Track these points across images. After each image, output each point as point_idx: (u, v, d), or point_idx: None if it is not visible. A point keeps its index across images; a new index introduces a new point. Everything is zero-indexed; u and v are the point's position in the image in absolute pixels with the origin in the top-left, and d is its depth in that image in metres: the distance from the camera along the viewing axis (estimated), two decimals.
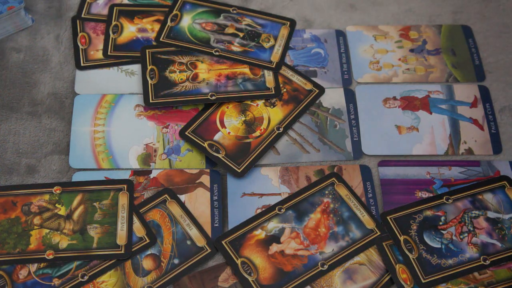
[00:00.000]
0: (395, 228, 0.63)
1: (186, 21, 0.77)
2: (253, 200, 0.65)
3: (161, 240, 0.62)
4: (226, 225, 0.64)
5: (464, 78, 0.75)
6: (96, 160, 0.67)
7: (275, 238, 0.63)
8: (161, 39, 0.75)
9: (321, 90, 0.73)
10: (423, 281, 0.60)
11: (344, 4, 0.81)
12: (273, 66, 0.74)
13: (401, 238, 0.62)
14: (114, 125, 0.70)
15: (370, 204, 0.66)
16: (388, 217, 0.64)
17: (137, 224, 0.63)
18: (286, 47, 0.75)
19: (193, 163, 0.68)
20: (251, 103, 0.71)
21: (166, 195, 0.65)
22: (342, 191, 0.66)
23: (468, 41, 0.78)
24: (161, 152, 0.68)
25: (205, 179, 0.66)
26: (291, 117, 0.70)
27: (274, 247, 0.62)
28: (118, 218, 0.63)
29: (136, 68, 0.73)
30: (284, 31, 0.77)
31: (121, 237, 0.62)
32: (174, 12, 0.77)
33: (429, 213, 0.64)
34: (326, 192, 0.66)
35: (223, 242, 0.62)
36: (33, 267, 0.60)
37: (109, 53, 0.74)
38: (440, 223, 0.64)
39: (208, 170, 0.67)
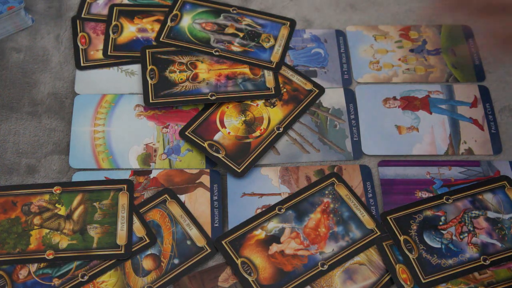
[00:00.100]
0: (395, 228, 0.63)
1: (186, 21, 0.77)
2: (253, 200, 0.65)
3: (161, 240, 0.62)
4: (226, 225, 0.64)
5: (464, 78, 0.75)
6: (96, 160, 0.67)
7: (275, 238, 0.63)
8: (161, 39, 0.75)
9: (321, 90, 0.73)
10: (423, 281, 0.60)
11: (344, 4, 0.81)
12: (273, 66, 0.74)
13: (401, 238, 0.62)
14: (114, 125, 0.70)
15: (370, 204, 0.66)
16: (388, 217, 0.64)
17: (137, 224, 0.63)
18: (286, 47, 0.75)
19: (193, 163, 0.68)
20: (251, 103, 0.71)
21: (166, 195, 0.65)
22: (342, 191, 0.66)
23: (468, 41, 0.78)
24: (161, 152, 0.68)
25: (205, 179, 0.66)
26: (291, 117, 0.70)
27: (274, 247, 0.62)
28: (118, 218, 0.63)
29: (136, 68, 0.73)
30: (284, 31, 0.77)
31: (121, 237, 0.62)
32: (174, 12, 0.77)
33: (429, 213, 0.64)
34: (326, 192, 0.66)
35: (223, 242, 0.62)
36: (33, 267, 0.60)
37: (109, 53, 0.74)
38: (440, 223, 0.64)
39: (208, 170, 0.67)
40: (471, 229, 0.64)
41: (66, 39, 0.76)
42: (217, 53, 0.74)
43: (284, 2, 0.80)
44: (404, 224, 0.63)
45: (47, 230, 0.62)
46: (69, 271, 0.60)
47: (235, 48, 0.75)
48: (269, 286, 0.60)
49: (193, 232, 0.63)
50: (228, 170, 0.66)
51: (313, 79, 0.74)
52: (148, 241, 0.62)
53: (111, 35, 0.75)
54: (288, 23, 0.78)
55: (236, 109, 0.71)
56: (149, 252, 0.62)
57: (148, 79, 0.71)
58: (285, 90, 0.72)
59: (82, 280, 0.60)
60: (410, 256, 0.61)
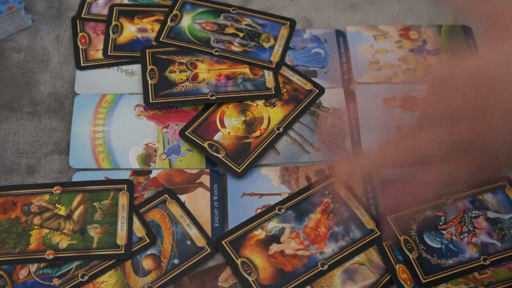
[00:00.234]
0: (395, 228, 0.63)
1: (186, 21, 0.77)
2: (253, 200, 0.65)
3: (161, 240, 0.62)
4: (226, 225, 0.64)
5: None
6: (96, 160, 0.67)
7: (275, 238, 0.63)
8: (161, 39, 0.75)
9: (321, 90, 0.73)
10: (423, 281, 0.60)
11: (344, 4, 0.81)
12: (273, 66, 0.74)
13: (401, 238, 0.62)
14: (114, 125, 0.70)
15: (370, 204, 0.66)
16: (388, 217, 0.64)
17: (137, 224, 0.63)
18: (286, 47, 0.75)
19: (193, 163, 0.68)
20: (251, 103, 0.71)
21: (166, 195, 0.65)
22: (342, 191, 0.66)
23: (468, 41, 0.78)
24: (161, 152, 0.68)
25: (205, 179, 0.66)
26: (291, 117, 0.70)
27: (274, 247, 0.62)
28: (118, 218, 0.63)
29: (136, 68, 0.73)
30: (284, 31, 0.77)
31: (121, 237, 0.62)
32: (174, 12, 0.77)
33: (429, 213, 0.64)
34: (326, 192, 0.66)
35: (223, 242, 0.62)
36: (33, 267, 0.60)
37: (109, 53, 0.74)
38: (440, 223, 0.64)
39: (208, 170, 0.67)
40: (471, 229, 0.64)
41: (66, 39, 0.76)
42: (217, 53, 0.74)
43: (284, 2, 0.80)
44: (404, 224, 0.63)
45: (47, 230, 0.62)
46: (69, 271, 0.60)
47: (235, 48, 0.75)
48: (269, 286, 0.60)
49: (193, 232, 0.63)
50: (228, 170, 0.66)
51: (313, 79, 0.74)
52: (148, 241, 0.62)
53: (111, 35, 0.75)
54: (288, 23, 0.78)
55: (236, 109, 0.71)
56: (149, 252, 0.62)
57: (148, 79, 0.71)
58: (285, 90, 0.72)
59: (82, 280, 0.60)
60: (410, 256, 0.61)
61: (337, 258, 0.62)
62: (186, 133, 0.69)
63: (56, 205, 0.63)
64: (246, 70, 0.73)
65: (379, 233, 0.63)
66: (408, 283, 0.60)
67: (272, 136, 0.69)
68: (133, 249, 0.61)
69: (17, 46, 0.75)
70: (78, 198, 0.64)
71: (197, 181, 0.66)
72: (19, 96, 0.72)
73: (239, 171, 0.66)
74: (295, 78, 0.73)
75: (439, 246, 0.62)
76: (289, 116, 0.71)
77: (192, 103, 0.70)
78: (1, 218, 0.62)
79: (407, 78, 0.74)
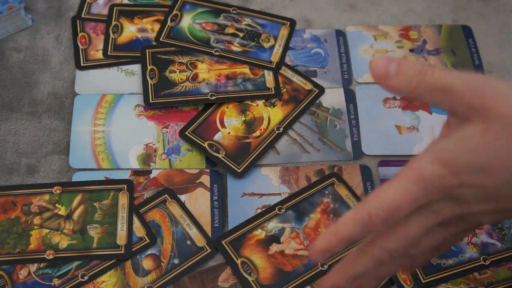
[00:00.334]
0: None
1: (186, 21, 0.77)
2: (253, 200, 0.65)
3: (161, 240, 0.62)
4: (226, 225, 0.64)
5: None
6: (96, 160, 0.67)
7: (275, 238, 0.63)
8: (161, 39, 0.75)
9: (321, 90, 0.73)
10: (423, 281, 0.60)
11: (344, 4, 0.81)
12: (273, 66, 0.74)
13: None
14: (114, 125, 0.70)
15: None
16: None
17: (137, 224, 0.63)
18: (286, 47, 0.75)
19: (193, 163, 0.68)
20: (251, 103, 0.71)
21: (166, 195, 0.65)
22: (342, 191, 0.66)
23: (468, 41, 0.78)
24: (161, 152, 0.68)
25: (205, 179, 0.66)
26: (291, 117, 0.70)
27: (274, 247, 0.62)
28: (118, 218, 0.63)
29: (136, 68, 0.73)
30: (284, 31, 0.77)
31: (121, 237, 0.62)
32: (174, 12, 0.77)
33: None
34: (326, 192, 0.66)
35: (223, 242, 0.62)
36: (33, 267, 0.60)
37: (109, 53, 0.74)
38: None
39: (208, 170, 0.67)
40: None
41: (66, 39, 0.76)
42: (217, 53, 0.74)
43: (284, 2, 0.80)
44: None
45: (47, 230, 0.62)
46: (69, 271, 0.60)
47: (235, 48, 0.75)
48: (269, 286, 0.60)
49: (193, 232, 0.63)
50: (228, 170, 0.66)
51: (313, 79, 0.74)
52: (148, 241, 0.62)
53: (111, 35, 0.75)
54: (288, 23, 0.78)
55: (236, 109, 0.71)
56: (149, 252, 0.62)
57: (148, 79, 0.71)
58: (285, 90, 0.72)
59: (82, 280, 0.60)
60: None
61: (337, 258, 0.62)
62: (186, 133, 0.69)
63: (56, 205, 0.63)
64: (246, 70, 0.73)
65: None
66: (408, 283, 0.60)
67: (272, 136, 0.69)
68: (133, 249, 0.61)
69: (17, 46, 0.75)
70: (78, 198, 0.64)
71: (197, 181, 0.66)
72: (19, 96, 0.72)
73: (239, 171, 0.66)
74: (295, 78, 0.73)
75: None
76: (289, 116, 0.71)
77: (192, 103, 0.70)
78: (1, 218, 0.62)
79: None
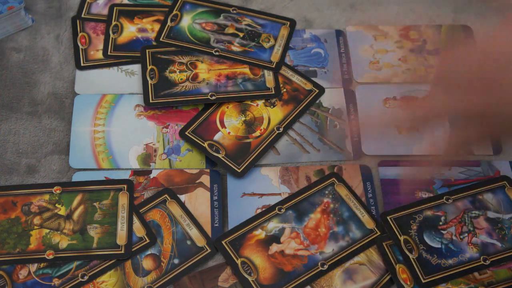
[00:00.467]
0: (395, 228, 0.63)
1: (186, 21, 0.77)
2: (253, 200, 0.65)
3: (161, 240, 0.62)
4: (226, 225, 0.64)
5: None
6: (96, 160, 0.67)
7: (275, 238, 0.63)
8: (161, 39, 0.75)
9: (321, 90, 0.73)
10: (423, 281, 0.60)
11: (344, 4, 0.81)
12: (273, 66, 0.74)
13: (401, 238, 0.62)
14: (114, 125, 0.70)
15: (370, 204, 0.66)
16: (388, 217, 0.64)
17: (137, 224, 0.63)
18: (286, 47, 0.75)
19: (193, 163, 0.68)
20: (251, 103, 0.71)
21: (166, 195, 0.65)
22: (342, 191, 0.66)
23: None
24: (161, 152, 0.68)
25: (205, 179, 0.66)
26: (291, 117, 0.70)
27: (274, 247, 0.62)
28: (118, 218, 0.63)
29: (136, 68, 0.73)
30: (284, 31, 0.77)
31: (121, 237, 0.62)
32: (174, 12, 0.77)
33: (429, 213, 0.64)
34: (326, 192, 0.66)
35: (223, 242, 0.62)
36: (33, 267, 0.60)
37: (109, 53, 0.74)
38: (440, 223, 0.64)
39: (208, 170, 0.67)
40: (471, 229, 0.64)
41: (66, 39, 0.76)
42: (217, 53, 0.74)
43: (284, 2, 0.80)
44: (404, 224, 0.63)
45: (47, 230, 0.62)
46: (69, 271, 0.60)
47: (235, 48, 0.75)
48: (269, 286, 0.60)
49: (193, 232, 0.63)
50: (228, 170, 0.66)
51: (313, 79, 0.74)
52: (148, 241, 0.62)
53: (111, 35, 0.75)
54: (288, 23, 0.78)
55: (236, 109, 0.71)
56: (149, 252, 0.62)
57: (148, 79, 0.71)
58: (285, 90, 0.72)
59: (82, 280, 0.60)
60: (410, 256, 0.61)
61: (337, 258, 0.62)
62: (186, 133, 0.69)
63: (56, 205, 0.63)
64: (246, 70, 0.73)
65: (379, 233, 0.63)
66: (408, 283, 0.60)
67: (272, 136, 0.69)
68: (133, 249, 0.61)
69: (17, 46, 0.75)
70: (78, 198, 0.64)
71: (197, 181, 0.66)
72: (19, 96, 0.72)
73: (239, 171, 0.66)
74: (295, 78, 0.73)
75: (439, 246, 0.62)
76: (289, 116, 0.71)
77: (192, 103, 0.70)
78: (1, 218, 0.62)
79: (407, 78, 0.75)
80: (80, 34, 0.76)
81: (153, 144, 0.68)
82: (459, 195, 0.66)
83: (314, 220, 0.64)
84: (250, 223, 0.64)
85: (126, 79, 0.73)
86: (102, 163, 0.67)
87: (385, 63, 0.75)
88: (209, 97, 0.70)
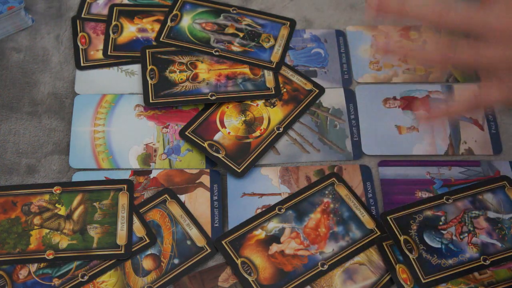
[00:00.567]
0: (395, 228, 0.63)
1: (186, 21, 0.77)
2: (253, 200, 0.65)
3: (161, 240, 0.62)
4: (226, 225, 0.64)
5: (464, 78, 0.75)
6: (96, 160, 0.67)
7: (275, 238, 0.63)
8: (161, 39, 0.75)
9: (321, 90, 0.73)
10: (423, 281, 0.60)
11: (344, 4, 0.81)
12: (273, 66, 0.74)
13: (401, 238, 0.62)
14: (114, 125, 0.70)
15: (370, 204, 0.66)
16: (388, 217, 0.64)
17: (137, 224, 0.63)
18: (286, 47, 0.75)
19: (193, 163, 0.68)
20: (251, 103, 0.71)
21: (166, 195, 0.65)
22: (342, 191, 0.66)
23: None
24: (161, 152, 0.68)
25: (205, 179, 0.66)
26: (291, 117, 0.70)
27: (274, 247, 0.62)
28: (118, 218, 0.63)
29: (136, 68, 0.73)
30: (284, 31, 0.77)
31: (121, 237, 0.62)
32: (174, 12, 0.77)
33: (429, 213, 0.64)
34: (326, 192, 0.66)
35: (223, 242, 0.62)
36: (33, 267, 0.60)
37: (109, 53, 0.74)
38: (440, 223, 0.64)
39: (208, 170, 0.67)
40: (471, 229, 0.64)
41: (66, 39, 0.76)
42: (217, 53, 0.74)
43: (284, 2, 0.80)
44: (404, 224, 0.63)
45: (47, 230, 0.62)
46: (69, 271, 0.60)
47: (235, 48, 0.75)
48: (269, 286, 0.60)
49: (193, 232, 0.63)
50: (228, 170, 0.66)
51: (313, 79, 0.74)
52: (148, 241, 0.62)
53: (111, 35, 0.75)
54: (288, 23, 0.78)
55: (236, 109, 0.71)
56: (149, 252, 0.62)
57: (148, 79, 0.71)
58: (285, 90, 0.72)
59: (82, 280, 0.60)
60: (410, 256, 0.61)
61: (337, 258, 0.62)
62: (186, 133, 0.69)
63: (56, 205, 0.63)
64: (246, 70, 0.73)
65: (379, 233, 0.63)
66: (408, 283, 0.60)
67: (272, 136, 0.69)
68: (133, 249, 0.61)
69: (17, 46, 0.75)
70: (78, 198, 0.64)
71: (197, 181, 0.66)
72: (19, 96, 0.72)
73: (239, 171, 0.66)
74: (295, 78, 0.73)
75: (439, 246, 0.62)
76: (289, 116, 0.71)
77: (192, 103, 0.70)
78: (1, 218, 0.62)
79: (407, 78, 0.75)
80: (80, 34, 0.76)
81: (153, 144, 0.68)
82: (459, 195, 0.66)
83: (314, 220, 0.64)
84: (250, 223, 0.64)
85: (126, 79, 0.73)
86: (102, 163, 0.67)
87: (385, 63, 0.75)
88: (209, 97, 0.70)
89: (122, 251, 0.61)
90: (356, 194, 0.66)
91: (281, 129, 0.69)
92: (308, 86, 0.73)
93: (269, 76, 0.73)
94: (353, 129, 0.70)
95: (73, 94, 0.72)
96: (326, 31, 0.78)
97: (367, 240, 0.63)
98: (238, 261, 0.61)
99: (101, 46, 0.75)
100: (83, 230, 0.62)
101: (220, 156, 0.67)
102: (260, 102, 0.71)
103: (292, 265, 0.61)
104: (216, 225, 0.64)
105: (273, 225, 0.64)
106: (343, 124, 0.71)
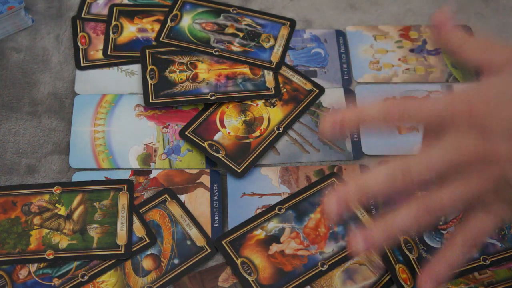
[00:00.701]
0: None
1: (186, 21, 0.77)
2: (253, 200, 0.65)
3: (161, 240, 0.62)
4: (226, 225, 0.64)
5: (464, 78, 0.75)
6: (96, 160, 0.67)
7: (275, 238, 0.63)
8: (161, 39, 0.75)
9: (321, 90, 0.73)
10: None
11: (344, 4, 0.81)
12: (273, 66, 0.74)
13: (401, 238, 0.62)
14: (114, 125, 0.70)
15: (370, 204, 0.66)
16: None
17: (137, 224, 0.63)
18: (286, 47, 0.75)
19: (193, 163, 0.68)
20: (251, 103, 0.71)
21: (166, 195, 0.65)
22: None
23: None
24: (161, 152, 0.68)
25: (205, 179, 0.66)
26: (291, 117, 0.70)
27: (274, 247, 0.62)
28: (118, 218, 0.63)
29: (136, 68, 0.73)
30: (284, 31, 0.77)
31: (121, 237, 0.62)
32: (174, 12, 0.77)
33: None
34: (326, 192, 0.66)
35: (223, 242, 0.62)
36: (33, 267, 0.60)
37: (109, 53, 0.74)
38: (440, 223, 0.64)
39: (208, 170, 0.67)
40: None
41: (66, 39, 0.76)
42: (217, 53, 0.74)
43: (284, 2, 0.80)
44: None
45: (47, 230, 0.62)
46: (69, 271, 0.60)
47: (235, 48, 0.75)
48: (269, 286, 0.60)
49: (193, 232, 0.63)
50: (228, 170, 0.66)
51: (313, 79, 0.74)
52: (148, 241, 0.62)
53: (111, 35, 0.75)
54: (288, 23, 0.78)
55: (236, 109, 0.71)
56: (149, 252, 0.62)
57: (148, 79, 0.71)
58: (285, 90, 0.72)
59: (82, 280, 0.60)
60: (410, 256, 0.61)
61: (337, 258, 0.62)
62: (186, 133, 0.69)
63: (56, 205, 0.63)
64: (246, 70, 0.73)
65: None
66: (408, 283, 0.60)
67: (272, 136, 0.69)
68: (133, 249, 0.61)
69: (17, 46, 0.75)
70: (78, 198, 0.64)
71: (197, 181, 0.66)
72: (19, 96, 0.72)
73: (239, 171, 0.66)
74: (295, 78, 0.73)
75: (439, 246, 0.62)
76: (289, 116, 0.71)
77: (192, 103, 0.70)
78: (1, 218, 0.62)
79: (407, 78, 0.75)
80: (80, 34, 0.76)
81: (153, 144, 0.68)
82: None
83: (314, 220, 0.64)
84: (250, 223, 0.64)
85: (126, 79, 0.73)
86: (102, 163, 0.67)
87: (385, 63, 0.75)
88: (209, 97, 0.70)
89: (122, 251, 0.61)
90: None
91: (281, 129, 0.69)
92: (308, 86, 0.73)
93: (269, 76, 0.73)
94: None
95: (73, 94, 0.72)
96: (326, 31, 0.78)
97: None
98: (238, 261, 0.61)
99: (101, 46, 0.75)
100: (83, 230, 0.62)
101: (220, 156, 0.67)
102: (260, 102, 0.71)
103: (292, 265, 0.61)
104: (216, 225, 0.64)
105: (273, 225, 0.64)
106: None
